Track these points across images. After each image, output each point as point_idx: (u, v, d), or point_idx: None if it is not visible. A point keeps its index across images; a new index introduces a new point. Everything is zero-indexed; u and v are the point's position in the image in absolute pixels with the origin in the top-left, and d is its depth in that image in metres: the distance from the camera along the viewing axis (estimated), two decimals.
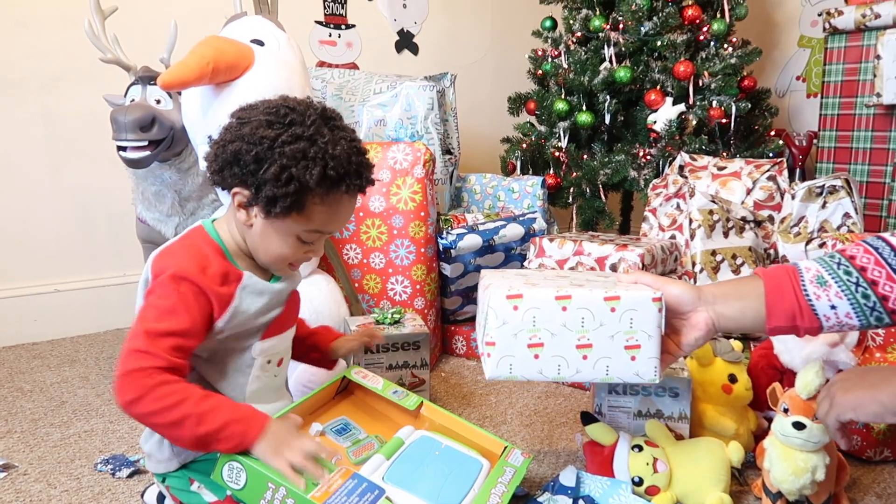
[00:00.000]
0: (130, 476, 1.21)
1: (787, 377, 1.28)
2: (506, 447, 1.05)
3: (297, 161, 0.84)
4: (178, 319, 0.85)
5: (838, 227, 1.60)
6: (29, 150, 2.00)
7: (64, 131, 2.04)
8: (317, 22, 2.53)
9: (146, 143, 1.46)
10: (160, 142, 1.48)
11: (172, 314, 0.85)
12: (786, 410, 1.05)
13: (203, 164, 0.98)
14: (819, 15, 2.35)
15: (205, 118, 1.34)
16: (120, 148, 1.46)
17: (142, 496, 1.13)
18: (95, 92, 1.82)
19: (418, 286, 1.70)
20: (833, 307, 0.87)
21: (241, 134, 0.87)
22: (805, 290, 0.88)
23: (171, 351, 0.84)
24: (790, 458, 1.03)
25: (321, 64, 2.54)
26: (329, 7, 2.55)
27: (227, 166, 0.88)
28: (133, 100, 1.51)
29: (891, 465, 1.26)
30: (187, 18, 1.78)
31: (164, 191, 1.60)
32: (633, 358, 0.92)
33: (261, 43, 1.40)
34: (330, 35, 2.56)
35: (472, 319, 1.92)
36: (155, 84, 1.51)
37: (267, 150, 0.85)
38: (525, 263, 1.78)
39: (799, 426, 1.01)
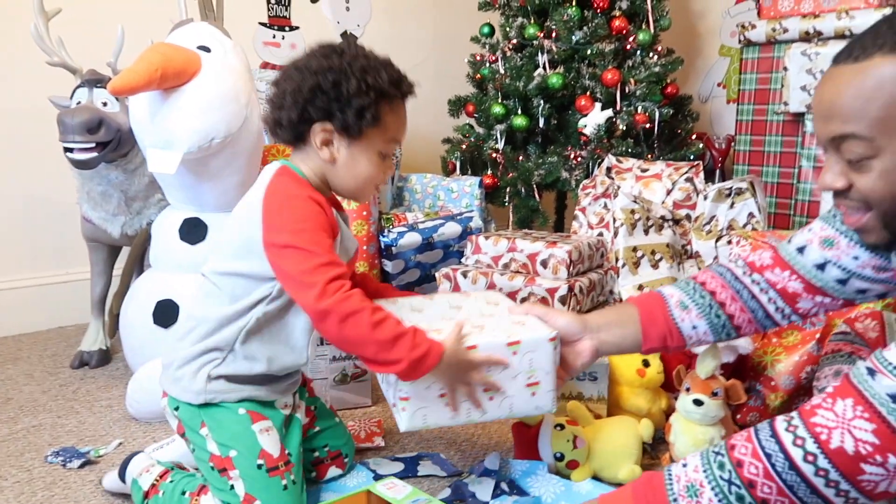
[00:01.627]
0: (81, 467, 1.26)
1: (695, 361, 1.42)
2: None
3: (367, 72, 0.97)
4: (329, 236, 0.96)
5: (744, 226, 1.76)
6: None
7: (6, 129, 2.03)
8: (261, 24, 2.57)
9: (93, 145, 1.50)
10: (107, 143, 1.52)
11: (323, 230, 0.95)
12: (688, 389, 1.18)
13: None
14: (737, 27, 2.54)
15: (152, 121, 1.39)
16: (67, 149, 1.50)
17: (100, 482, 1.18)
18: (39, 90, 1.84)
19: None
20: (694, 327, 1.03)
21: (311, 71, 0.97)
22: (672, 315, 1.03)
23: (331, 253, 0.94)
24: (691, 432, 1.17)
25: (265, 65, 2.58)
26: (273, 9, 2.59)
27: (308, 104, 0.97)
28: (80, 102, 1.55)
29: None
30: (134, 23, 1.81)
31: (111, 191, 1.64)
32: (533, 393, 1.01)
33: (207, 49, 1.46)
34: (274, 37, 2.61)
35: None
36: (101, 87, 1.55)
37: (339, 73, 0.97)
38: (462, 260, 1.89)
39: (698, 403, 1.15)
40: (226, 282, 1.02)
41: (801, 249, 1.00)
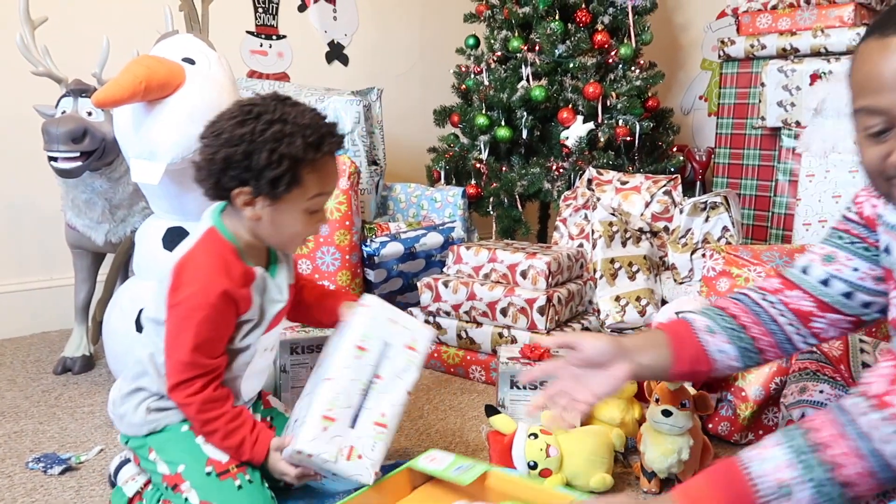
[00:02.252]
0: (62, 473, 1.27)
1: None
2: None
3: (280, 141, 0.95)
4: (217, 330, 1.00)
5: (718, 239, 1.80)
6: None
7: None
8: (248, 32, 2.60)
9: (77, 154, 1.52)
10: (91, 153, 1.54)
11: (211, 326, 0.99)
12: (657, 400, 1.21)
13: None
14: (718, 41, 2.59)
15: (137, 133, 1.41)
16: (51, 158, 1.51)
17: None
18: (23, 97, 1.85)
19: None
20: (721, 351, 1.01)
21: (222, 141, 0.97)
22: (700, 339, 1.02)
23: (213, 357, 1.00)
24: (660, 442, 1.20)
25: (252, 73, 2.61)
26: (260, 18, 2.62)
27: (222, 173, 0.97)
28: (64, 111, 1.56)
29: None
30: (119, 33, 1.83)
31: (95, 199, 1.65)
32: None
33: (192, 61, 1.47)
34: (261, 45, 2.64)
35: None
36: (86, 97, 1.57)
37: (250, 143, 0.95)
38: (444, 269, 1.92)
39: (666, 413, 1.18)
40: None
41: (805, 269, 1.01)
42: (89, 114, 1.57)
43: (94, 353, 1.85)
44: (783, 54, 2.32)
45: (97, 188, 1.63)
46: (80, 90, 1.58)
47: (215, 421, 1.00)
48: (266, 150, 0.94)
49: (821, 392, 1.18)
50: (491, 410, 1.33)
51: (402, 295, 2.00)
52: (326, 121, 1.01)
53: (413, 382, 1.15)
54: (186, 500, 0.99)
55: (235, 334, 1.04)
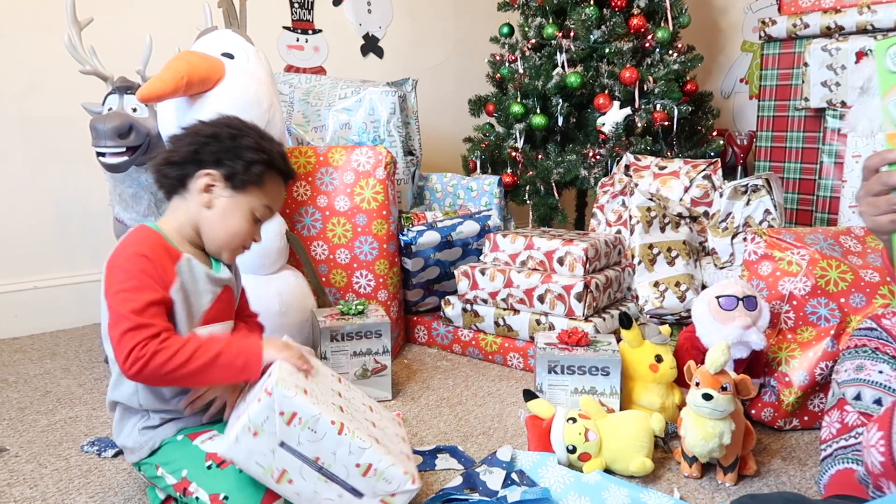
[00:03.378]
0: (115, 455, 1.32)
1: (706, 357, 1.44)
2: None
3: (263, 138, 1.08)
4: (150, 289, 0.96)
5: (760, 223, 1.76)
6: (7, 152, 2.08)
7: (41, 135, 2.12)
8: (285, 27, 2.64)
9: (124, 150, 1.56)
10: (137, 148, 1.59)
11: (143, 288, 0.96)
12: (697, 384, 1.20)
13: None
14: (758, 22, 2.53)
15: (179, 126, 1.45)
16: (99, 154, 1.57)
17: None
18: (72, 97, 1.92)
19: (381, 280, 1.84)
20: None
21: (212, 123, 1.07)
22: None
23: (157, 317, 0.96)
24: (701, 426, 1.19)
25: (289, 68, 2.64)
26: (296, 13, 2.65)
27: (203, 146, 1.04)
28: (111, 108, 1.61)
29: (798, 433, 1.43)
30: (161, 31, 1.88)
31: (141, 193, 1.70)
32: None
33: (231, 56, 1.51)
34: (297, 40, 2.67)
35: (434, 310, 2.06)
36: (131, 93, 1.62)
37: (238, 129, 1.07)
38: (480, 257, 1.92)
39: (707, 397, 1.17)
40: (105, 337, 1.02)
41: None
42: (134, 110, 1.62)
43: None
44: (827, 33, 2.26)
45: (143, 182, 1.68)
46: (126, 87, 1.63)
47: (183, 348, 0.94)
48: (253, 137, 1.06)
49: (880, 373, 1.14)
50: (529, 395, 1.33)
51: (440, 283, 2.01)
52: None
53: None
54: (198, 499, 1.01)
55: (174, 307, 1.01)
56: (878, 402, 1.13)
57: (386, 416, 1.18)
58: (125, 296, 0.95)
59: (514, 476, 1.17)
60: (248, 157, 1.04)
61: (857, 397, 1.16)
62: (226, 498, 0.98)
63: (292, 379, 0.96)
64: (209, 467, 1.02)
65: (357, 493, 0.96)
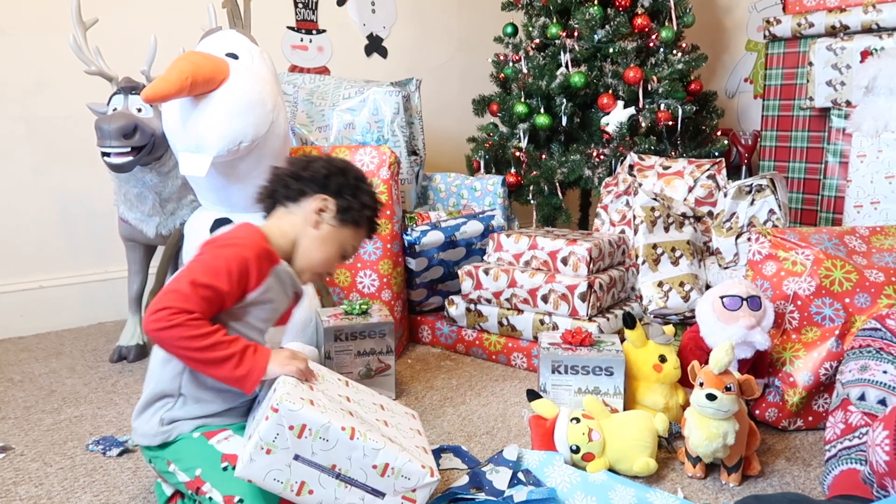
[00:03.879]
0: (120, 455, 1.33)
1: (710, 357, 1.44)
2: None
3: (376, 197, 1.22)
4: (221, 280, 1.00)
5: (764, 222, 1.76)
6: (12, 152, 2.09)
7: (47, 135, 2.13)
8: (289, 27, 2.64)
9: (129, 150, 1.57)
10: (142, 148, 1.59)
11: (217, 274, 1.00)
12: (701, 384, 1.20)
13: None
14: (763, 21, 2.52)
15: (184, 127, 1.46)
16: (104, 154, 1.57)
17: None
18: (77, 97, 1.93)
19: (385, 279, 1.84)
20: None
21: (345, 160, 1.21)
22: None
23: (204, 302, 0.99)
24: (705, 426, 1.19)
25: (293, 68, 2.65)
26: (300, 13, 2.66)
27: (333, 175, 1.15)
28: (116, 109, 1.62)
29: (802, 434, 1.43)
30: (166, 32, 1.89)
31: (146, 192, 1.71)
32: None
33: (235, 56, 1.51)
34: (301, 40, 2.68)
35: (437, 310, 2.06)
36: (136, 94, 1.62)
37: (364, 178, 1.20)
38: (484, 257, 1.92)
39: (711, 397, 1.17)
40: None
41: None
42: (139, 110, 1.62)
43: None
44: (832, 32, 2.25)
45: (148, 182, 1.69)
46: (130, 87, 1.63)
47: (212, 334, 0.98)
48: (372, 190, 1.20)
49: (884, 373, 1.14)
50: (533, 395, 1.33)
51: (443, 283, 2.01)
52: None
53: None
54: (211, 499, 1.01)
55: (249, 306, 1.05)
56: (883, 402, 1.13)
57: (399, 411, 1.18)
58: (198, 268, 1.01)
59: (520, 475, 1.17)
60: (363, 201, 1.17)
61: (862, 398, 1.16)
62: (240, 501, 0.99)
63: (297, 391, 0.97)
64: (225, 469, 1.02)
65: (379, 494, 0.96)
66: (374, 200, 1.21)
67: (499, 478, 1.16)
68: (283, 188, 1.16)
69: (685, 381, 1.43)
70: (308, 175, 1.15)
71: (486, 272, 1.82)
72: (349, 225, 1.16)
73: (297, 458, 0.93)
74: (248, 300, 1.05)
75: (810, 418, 1.43)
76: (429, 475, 0.97)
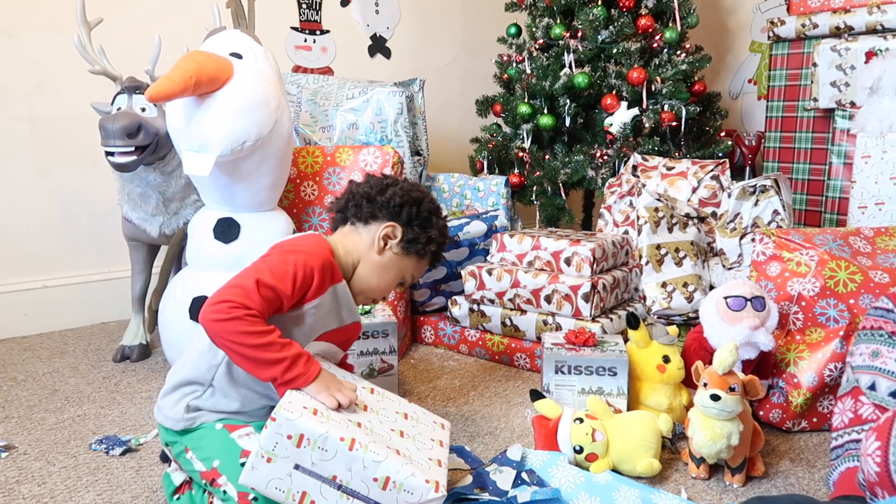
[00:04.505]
0: (123, 454, 1.33)
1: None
2: None
3: (446, 230, 1.23)
4: (286, 284, 1.01)
5: (769, 223, 1.76)
6: (15, 152, 2.09)
7: (49, 134, 2.13)
8: (292, 28, 2.65)
9: (132, 149, 1.57)
10: (146, 147, 1.59)
11: (284, 278, 1.02)
12: (705, 385, 1.20)
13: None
14: (767, 22, 2.52)
15: (188, 126, 1.46)
16: (108, 153, 1.57)
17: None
18: (81, 96, 1.93)
19: None
20: None
21: (423, 192, 1.20)
22: None
23: (265, 302, 0.99)
24: (709, 427, 1.18)
25: (297, 69, 2.65)
26: (304, 14, 2.66)
27: (406, 205, 1.15)
28: (120, 108, 1.62)
29: (807, 435, 1.42)
30: (170, 31, 1.89)
31: (149, 192, 1.71)
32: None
33: (239, 56, 1.51)
34: (305, 40, 2.68)
35: (441, 310, 2.06)
36: (140, 93, 1.62)
37: (437, 211, 1.21)
38: (487, 257, 1.92)
39: (715, 398, 1.17)
40: None
41: None
42: (143, 110, 1.63)
43: (151, 341, 1.91)
44: (836, 33, 2.25)
45: (151, 182, 1.69)
46: (135, 87, 1.63)
47: (268, 333, 0.98)
48: (443, 224, 1.21)
49: None
50: (536, 395, 1.33)
51: (447, 283, 2.01)
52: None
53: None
54: (225, 492, 1.01)
55: (300, 315, 1.06)
56: (894, 394, 1.11)
57: (427, 420, 1.16)
58: (265, 268, 1.02)
59: (524, 475, 1.17)
60: (431, 234, 1.17)
61: (872, 387, 1.13)
62: (255, 500, 0.98)
63: (301, 400, 0.97)
64: (243, 465, 1.01)
65: None
66: (443, 235, 1.21)
67: (502, 478, 1.15)
68: (354, 207, 1.17)
69: (689, 382, 1.42)
70: (382, 200, 1.16)
71: (490, 272, 1.81)
72: (413, 255, 1.17)
73: (297, 467, 0.93)
74: (300, 310, 1.06)
75: (815, 419, 1.43)
76: (433, 490, 0.95)
